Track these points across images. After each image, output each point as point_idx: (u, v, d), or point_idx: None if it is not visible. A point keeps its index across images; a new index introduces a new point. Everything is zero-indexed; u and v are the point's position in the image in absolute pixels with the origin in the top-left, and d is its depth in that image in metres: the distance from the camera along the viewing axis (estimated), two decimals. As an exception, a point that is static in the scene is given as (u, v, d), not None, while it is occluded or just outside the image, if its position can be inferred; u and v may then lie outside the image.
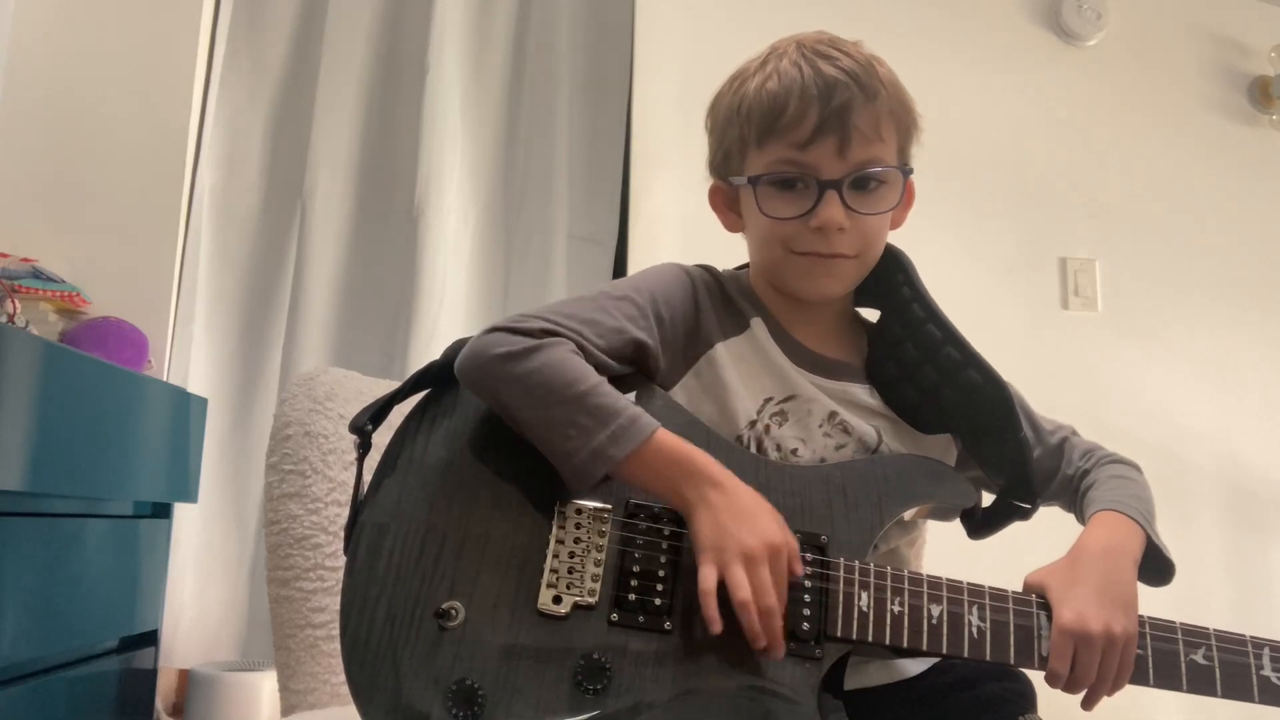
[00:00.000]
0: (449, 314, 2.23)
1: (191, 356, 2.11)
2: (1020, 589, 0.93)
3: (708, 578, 0.83)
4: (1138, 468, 1.08)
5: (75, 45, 2.10)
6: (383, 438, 0.95)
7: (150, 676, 1.65)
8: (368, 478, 0.91)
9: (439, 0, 2.29)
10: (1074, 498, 1.08)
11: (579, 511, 0.90)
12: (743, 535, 0.84)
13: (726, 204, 1.08)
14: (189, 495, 1.73)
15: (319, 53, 2.26)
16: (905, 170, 1.02)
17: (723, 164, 1.06)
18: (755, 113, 0.99)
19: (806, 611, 0.87)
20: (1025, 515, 1.04)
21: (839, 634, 0.87)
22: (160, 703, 1.95)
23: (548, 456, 0.89)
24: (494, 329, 0.92)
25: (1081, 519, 1.04)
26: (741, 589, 0.82)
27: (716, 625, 0.82)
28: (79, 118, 2.08)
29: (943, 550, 1.20)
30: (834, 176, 0.97)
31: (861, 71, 0.97)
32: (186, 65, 2.15)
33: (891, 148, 1.00)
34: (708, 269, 1.07)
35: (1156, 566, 0.98)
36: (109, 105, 2.09)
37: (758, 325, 1.04)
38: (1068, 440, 1.11)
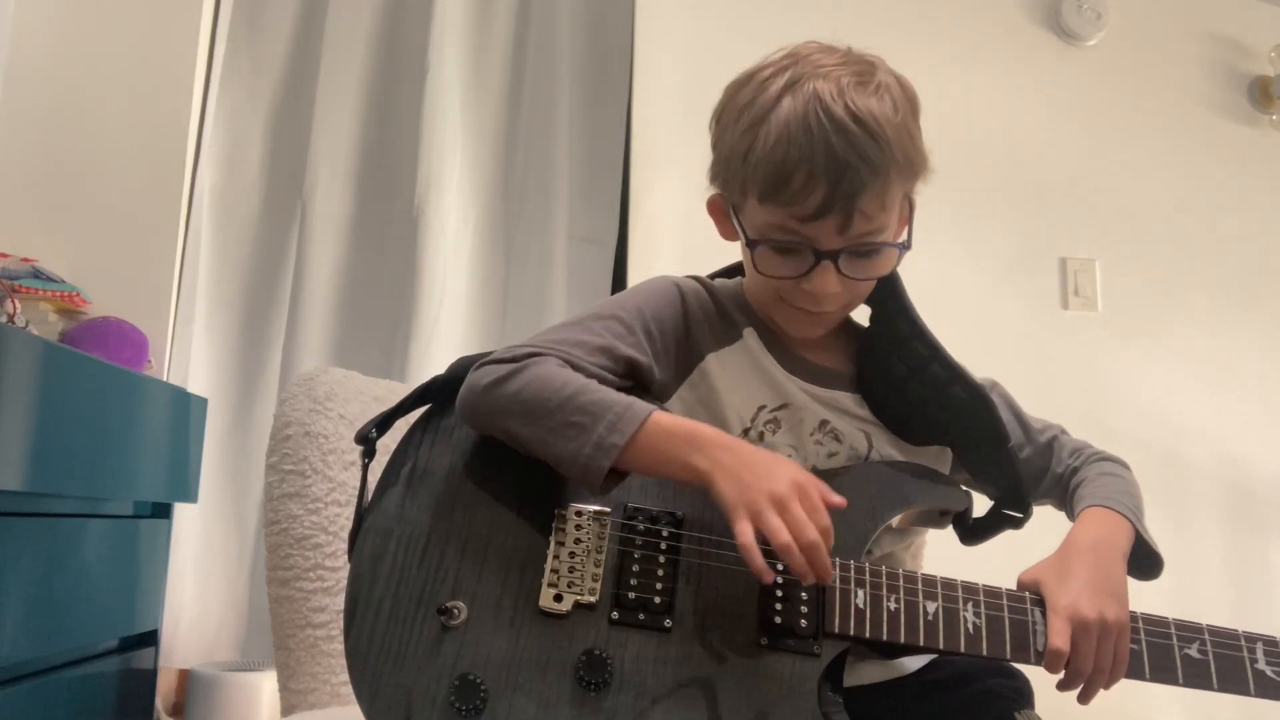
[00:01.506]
0: (449, 314, 2.23)
1: (191, 356, 2.11)
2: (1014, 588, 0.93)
3: (744, 532, 0.82)
4: (1126, 465, 1.09)
5: (75, 45, 2.10)
6: (385, 438, 0.96)
7: (150, 676, 1.66)
8: (372, 483, 0.92)
9: (439, 0, 2.30)
10: (1064, 495, 1.09)
11: (579, 514, 0.91)
12: (766, 481, 0.84)
13: (724, 214, 1.07)
14: (189, 495, 1.73)
15: (319, 53, 2.26)
16: (903, 247, 1.00)
17: (724, 185, 1.03)
18: (760, 170, 0.94)
19: (804, 609, 0.87)
20: (1017, 524, 1.05)
21: (837, 630, 0.87)
22: (160, 703, 1.95)
23: (555, 465, 0.90)
24: (481, 364, 0.94)
25: (1071, 516, 1.05)
26: (780, 533, 0.81)
27: (768, 575, 0.82)
28: (79, 118, 2.08)
29: (942, 554, 1.20)
30: (832, 248, 0.95)
31: (874, 150, 0.92)
32: (186, 65, 2.15)
33: (895, 212, 0.99)
34: (698, 280, 1.07)
35: (1145, 560, 1.00)
36: (109, 105, 2.09)
37: (750, 335, 1.04)
38: (1057, 439, 1.12)
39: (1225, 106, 2.76)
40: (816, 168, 0.91)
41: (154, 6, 2.14)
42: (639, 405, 0.89)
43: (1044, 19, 2.70)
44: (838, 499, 0.85)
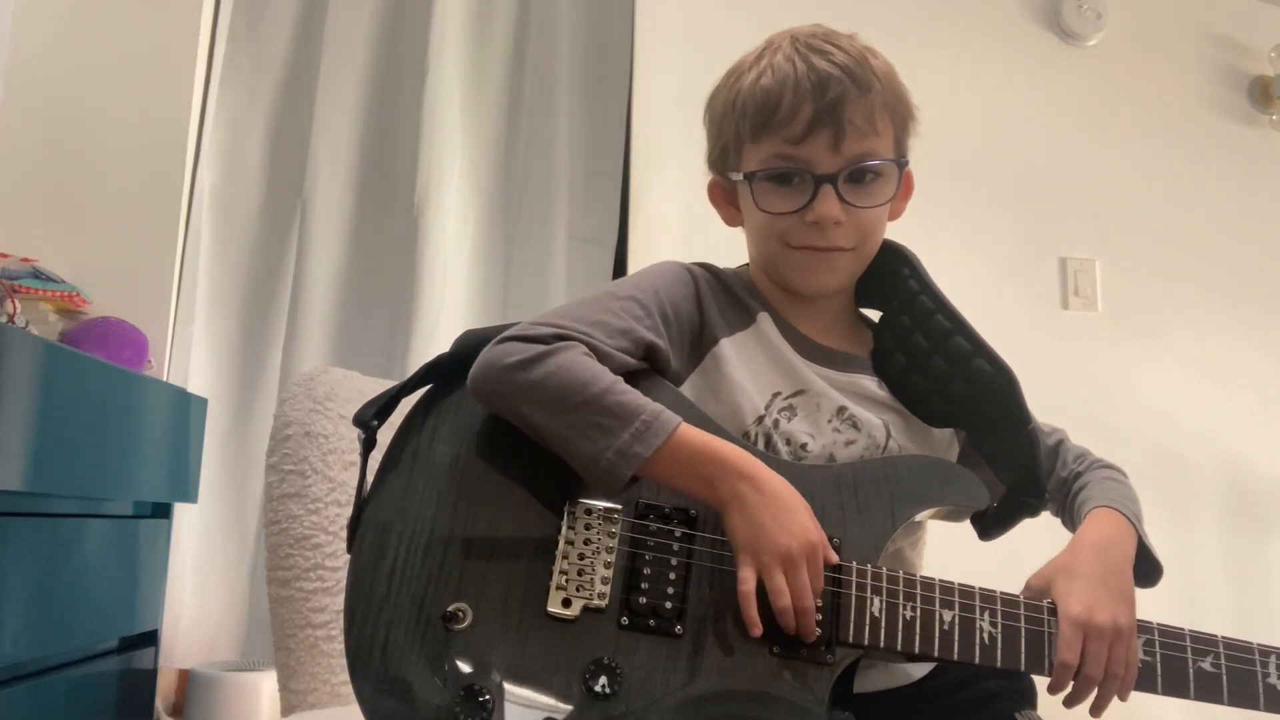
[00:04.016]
0: (449, 314, 2.23)
1: (191, 356, 2.11)
2: (1022, 588, 0.93)
3: (747, 580, 0.83)
4: (1125, 474, 1.09)
5: (75, 45, 2.09)
6: (386, 436, 0.94)
7: (150, 676, 1.65)
8: (371, 475, 0.90)
9: (439, 0, 2.30)
10: (1065, 500, 1.08)
11: (589, 511, 0.88)
12: (780, 536, 0.83)
13: (725, 198, 1.09)
14: (189, 495, 1.72)
15: (319, 53, 2.26)
16: (901, 163, 1.02)
17: (720, 159, 1.06)
18: (750, 108, 0.99)
19: (819, 617, 0.85)
20: (1034, 511, 1.04)
21: (850, 640, 0.86)
22: (160, 703, 1.95)
23: (571, 463, 0.87)
24: (503, 339, 0.90)
25: (1072, 518, 1.05)
26: (782, 596, 0.82)
27: (757, 628, 0.83)
28: (79, 118, 2.07)
29: (941, 549, 1.20)
30: (829, 171, 0.97)
31: (855, 65, 0.98)
32: (186, 65, 2.15)
33: (887, 140, 1.00)
34: (707, 266, 1.07)
35: (1146, 568, 0.99)
36: (109, 105, 2.08)
37: (764, 320, 1.03)
38: (1063, 443, 1.12)
39: (1225, 106, 2.76)
40: (801, 87, 0.96)
41: (154, 6, 2.14)
42: (666, 416, 0.87)
43: (1044, 19, 2.70)
44: (833, 557, 0.87)
